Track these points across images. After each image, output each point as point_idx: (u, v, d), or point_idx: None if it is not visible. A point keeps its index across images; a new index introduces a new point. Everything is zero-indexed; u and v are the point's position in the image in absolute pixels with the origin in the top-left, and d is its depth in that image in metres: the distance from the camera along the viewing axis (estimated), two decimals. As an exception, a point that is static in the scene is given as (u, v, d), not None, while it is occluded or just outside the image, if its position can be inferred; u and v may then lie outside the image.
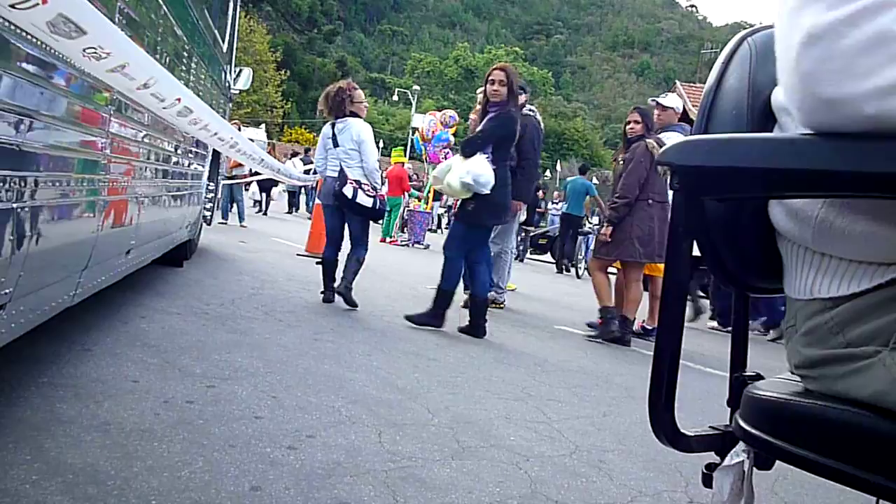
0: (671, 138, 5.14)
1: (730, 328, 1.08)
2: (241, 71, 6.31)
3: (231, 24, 5.73)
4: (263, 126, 27.62)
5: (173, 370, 2.55)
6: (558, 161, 32.75)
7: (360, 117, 4.83)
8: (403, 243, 12.12)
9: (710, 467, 0.93)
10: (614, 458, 2.41)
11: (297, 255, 7.36)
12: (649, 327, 5.41)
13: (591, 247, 7.43)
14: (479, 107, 4.83)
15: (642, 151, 4.83)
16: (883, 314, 0.72)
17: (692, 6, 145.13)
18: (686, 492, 2.19)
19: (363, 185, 4.62)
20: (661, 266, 5.35)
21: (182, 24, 3.21)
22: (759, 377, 0.96)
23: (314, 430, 2.18)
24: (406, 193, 12.47)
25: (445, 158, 7.78)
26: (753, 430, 0.82)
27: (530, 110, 6.14)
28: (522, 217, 7.76)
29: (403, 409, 2.57)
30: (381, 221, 11.77)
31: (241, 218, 10.50)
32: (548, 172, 30.23)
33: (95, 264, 2.30)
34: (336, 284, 4.70)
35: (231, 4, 5.61)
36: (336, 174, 4.66)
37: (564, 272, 12.06)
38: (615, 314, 4.97)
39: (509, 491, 1.96)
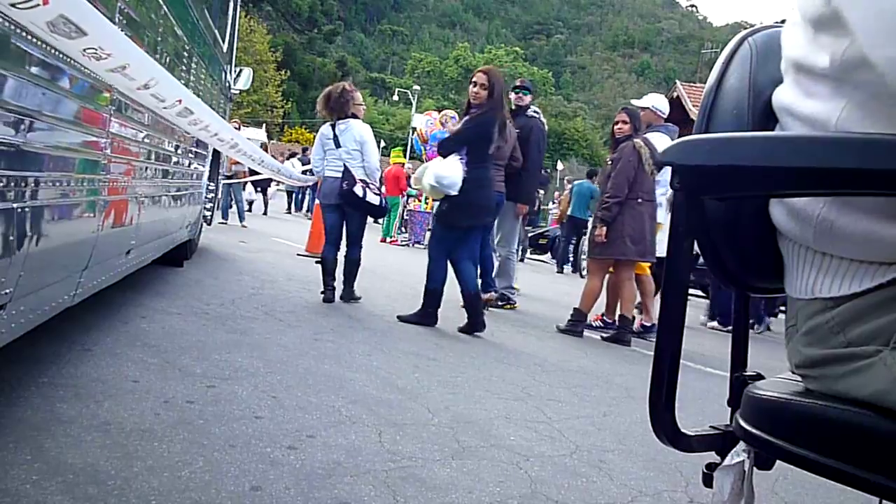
0: (654, 138, 5.28)
1: (730, 328, 1.08)
2: (241, 71, 6.32)
3: (231, 24, 5.73)
4: (264, 126, 27.62)
5: (173, 370, 2.55)
6: (558, 161, 32.72)
7: (359, 119, 4.91)
8: (404, 243, 12.12)
9: (711, 467, 0.92)
10: (614, 458, 2.41)
11: (298, 254, 7.36)
12: (648, 324, 5.46)
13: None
14: None
15: (630, 151, 4.89)
16: (884, 314, 0.72)
17: (692, 6, 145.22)
18: (686, 491, 2.19)
19: (370, 185, 4.74)
20: (647, 264, 5.45)
21: (182, 24, 3.21)
22: (759, 377, 0.96)
23: (314, 429, 2.18)
24: (404, 193, 12.46)
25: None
26: (754, 430, 0.82)
27: (535, 112, 6.15)
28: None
29: (403, 409, 2.57)
30: (381, 221, 11.80)
31: (240, 217, 10.50)
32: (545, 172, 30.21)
33: (96, 264, 2.30)
34: (339, 292, 4.79)
35: (231, 4, 5.61)
36: (337, 174, 4.71)
37: (567, 272, 12.09)
38: (585, 318, 5.09)
39: (509, 491, 1.96)
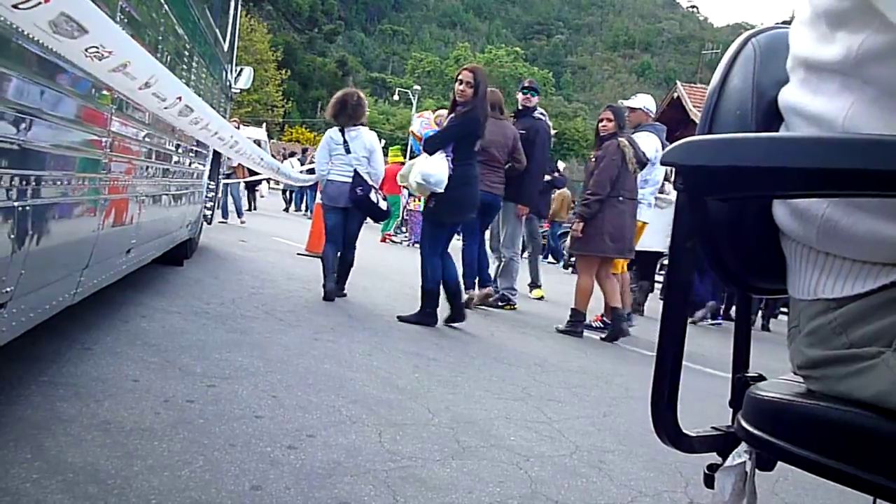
0: (642, 138, 5.35)
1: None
2: (241, 70, 6.32)
3: (232, 24, 5.73)
4: (264, 125, 27.64)
5: (174, 369, 2.55)
6: (558, 161, 32.71)
7: (366, 124, 5.15)
8: (405, 243, 12.12)
9: (712, 468, 0.92)
10: (614, 459, 2.41)
11: (298, 254, 7.36)
12: (609, 321, 5.50)
13: None
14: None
15: (614, 149, 4.93)
16: (887, 315, 0.72)
17: (693, 7, 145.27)
18: (686, 492, 2.19)
19: (378, 191, 5.01)
20: (623, 262, 5.54)
21: (183, 23, 3.21)
22: (761, 378, 0.96)
23: (314, 429, 2.18)
24: (405, 191, 12.46)
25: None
26: (756, 431, 0.82)
27: (541, 114, 6.15)
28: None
29: (404, 409, 2.57)
30: (380, 222, 11.80)
31: (239, 214, 10.53)
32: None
33: (96, 263, 2.30)
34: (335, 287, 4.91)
35: (232, 3, 5.61)
36: (344, 178, 4.88)
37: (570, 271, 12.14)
38: (584, 318, 5.11)
39: (509, 491, 1.96)
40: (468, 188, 4.46)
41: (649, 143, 5.45)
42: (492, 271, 6.23)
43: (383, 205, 5.02)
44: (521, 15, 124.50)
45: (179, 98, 1.83)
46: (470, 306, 5.52)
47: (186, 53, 3.46)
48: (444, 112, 4.81)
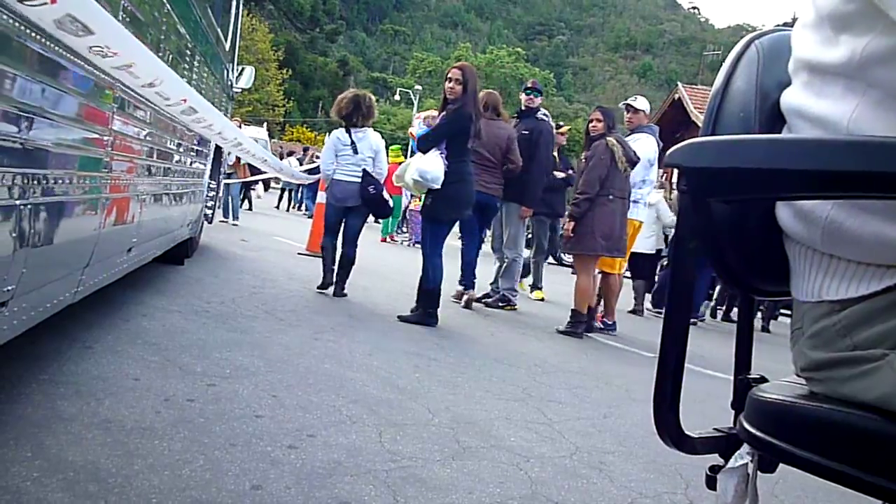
0: (640, 139, 5.40)
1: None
2: (243, 69, 6.33)
3: (234, 23, 5.73)
4: (265, 125, 27.66)
5: (174, 368, 2.55)
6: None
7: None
8: (405, 243, 12.13)
9: (714, 469, 0.92)
10: (615, 460, 2.41)
11: (299, 253, 7.36)
12: (609, 322, 5.56)
13: None
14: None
15: (602, 149, 4.98)
16: (891, 317, 0.72)
17: (694, 8, 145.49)
18: (686, 494, 2.19)
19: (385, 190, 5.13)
20: (615, 261, 5.64)
21: (185, 22, 3.21)
22: (763, 379, 0.96)
23: (315, 429, 2.18)
24: (406, 191, 12.47)
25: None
26: (758, 433, 0.82)
27: (544, 115, 6.14)
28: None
29: (404, 409, 2.56)
30: (380, 221, 11.81)
31: (234, 215, 10.49)
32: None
33: (97, 262, 2.30)
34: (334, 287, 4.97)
35: (234, 3, 5.61)
36: (352, 177, 4.95)
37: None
38: (584, 318, 5.13)
39: (510, 492, 1.96)
40: (463, 185, 4.51)
41: (649, 145, 5.49)
42: (492, 272, 6.25)
43: (390, 201, 5.13)
44: (523, 15, 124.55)
45: (184, 100, 1.83)
46: (470, 306, 5.54)
47: (188, 53, 3.46)
48: (434, 112, 4.84)
